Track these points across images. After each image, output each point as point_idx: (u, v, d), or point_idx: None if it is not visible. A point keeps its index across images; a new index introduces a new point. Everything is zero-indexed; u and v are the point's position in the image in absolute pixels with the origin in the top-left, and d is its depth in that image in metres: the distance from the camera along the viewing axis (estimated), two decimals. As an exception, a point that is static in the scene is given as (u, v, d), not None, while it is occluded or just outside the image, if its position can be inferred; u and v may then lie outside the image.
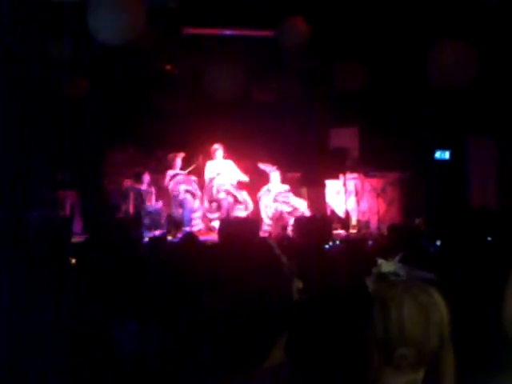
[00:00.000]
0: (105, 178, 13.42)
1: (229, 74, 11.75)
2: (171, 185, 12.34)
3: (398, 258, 2.01)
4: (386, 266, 1.98)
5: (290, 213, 12.05)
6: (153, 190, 12.48)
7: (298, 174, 12.81)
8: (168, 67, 12.85)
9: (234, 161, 12.92)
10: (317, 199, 12.43)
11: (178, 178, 12.42)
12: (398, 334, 1.83)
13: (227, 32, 11.70)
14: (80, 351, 3.57)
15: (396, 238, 6.91)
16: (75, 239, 9.82)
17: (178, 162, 12.56)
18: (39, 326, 3.53)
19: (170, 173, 12.47)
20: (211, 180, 12.54)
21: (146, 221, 11.96)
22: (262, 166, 12.72)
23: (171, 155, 12.62)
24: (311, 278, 3.37)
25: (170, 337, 3.84)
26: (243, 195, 12.63)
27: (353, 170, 12.78)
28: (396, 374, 1.84)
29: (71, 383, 3.47)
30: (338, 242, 8.53)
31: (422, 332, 1.84)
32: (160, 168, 13.52)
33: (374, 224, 12.50)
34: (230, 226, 10.77)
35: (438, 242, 7.26)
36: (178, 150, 12.96)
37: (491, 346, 3.12)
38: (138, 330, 4.01)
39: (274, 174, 12.49)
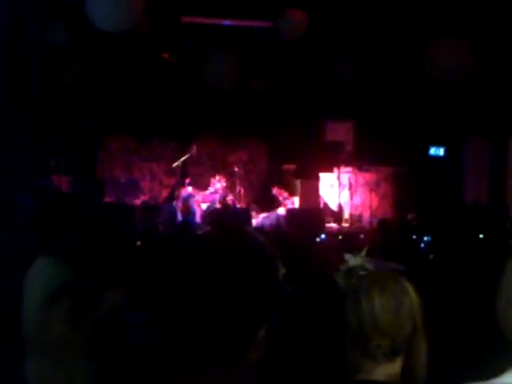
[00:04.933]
0: (99, 166, 13.42)
1: (226, 63, 11.74)
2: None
3: (364, 252, 2.02)
4: (353, 260, 1.99)
5: None
6: None
7: (292, 167, 12.82)
8: (165, 55, 12.82)
9: (228, 152, 13.00)
10: (310, 192, 12.44)
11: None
12: (372, 325, 1.84)
13: (226, 22, 11.68)
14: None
15: (385, 233, 6.95)
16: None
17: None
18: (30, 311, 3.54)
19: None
20: None
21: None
22: (275, 192, 12.72)
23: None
24: (298, 269, 3.39)
25: (163, 324, 3.86)
26: None
27: (347, 164, 12.80)
28: (373, 366, 1.85)
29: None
30: (324, 236, 8.53)
31: (395, 320, 1.84)
32: (154, 156, 13.55)
33: (366, 218, 12.54)
34: (222, 215, 10.81)
35: (428, 238, 7.29)
36: (173, 139, 13.00)
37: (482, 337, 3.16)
38: (130, 317, 4.02)
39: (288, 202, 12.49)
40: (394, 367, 1.86)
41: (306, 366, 2.73)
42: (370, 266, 1.98)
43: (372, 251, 2.07)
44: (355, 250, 2.09)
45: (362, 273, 1.98)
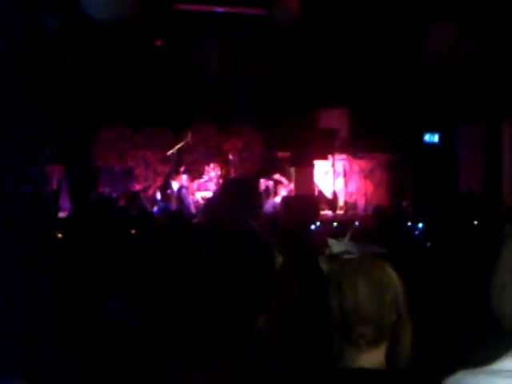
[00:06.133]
0: (92, 154, 13.38)
1: (219, 51, 11.70)
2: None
3: (348, 236, 1.99)
4: (337, 246, 1.96)
5: None
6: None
7: (287, 154, 12.79)
8: (159, 43, 12.76)
9: (223, 140, 13.00)
10: (305, 179, 12.44)
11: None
12: (355, 313, 1.82)
13: (219, 9, 11.63)
14: (64, 323, 3.59)
15: (380, 220, 6.96)
16: (62, 214, 9.83)
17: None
18: (24, 299, 3.54)
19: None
20: None
21: None
22: (277, 177, 12.64)
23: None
24: (292, 256, 3.39)
25: (156, 312, 3.86)
26: None
27: (341, 151, 12.79)
28: (357, 353, 1.84)
29: (55, 354, 3.49)
30: (319, 223, 8.53)
31: (378, 308, 1.82)
32: (148, 144, 13.52)
33: (361, 205, 12.55)
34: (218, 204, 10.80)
35: (421, 225, 7.32)
36: (167, 127, 12.99)
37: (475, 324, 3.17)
38: (124, 304, 4.02)
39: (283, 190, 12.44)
40: (378, 354, 1.86)
41: (304, 352, 2.74)
42: (354, 250, 1.96)
43: (363, 237, 2.05)
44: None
45: (346, 257, 1.95)
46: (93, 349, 3.55)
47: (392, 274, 1.89)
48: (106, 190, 12.19)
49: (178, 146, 12.62)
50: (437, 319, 3.31)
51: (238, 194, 10.24)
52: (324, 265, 1.96)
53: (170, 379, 2.30)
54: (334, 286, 1.89)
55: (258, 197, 10.79)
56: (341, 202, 12.58)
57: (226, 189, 11.10)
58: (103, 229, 5.21)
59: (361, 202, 12.60)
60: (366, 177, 12.64)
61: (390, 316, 1.84)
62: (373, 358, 1.84)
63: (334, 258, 1.95)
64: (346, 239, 1.98)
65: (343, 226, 7.91)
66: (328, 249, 1.98)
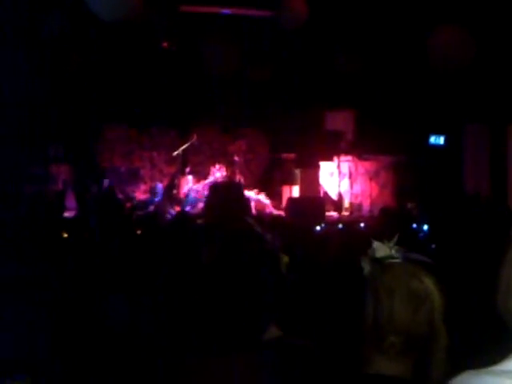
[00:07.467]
0: (98, 155, 13.39)
1: (225, 52, 11.71)
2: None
3: (394, 240, 1.95)
4: (381, 250, 1.92)
5: None
6: None
7: (292, 155, 12.79)
8: (165, 44, 12.77)
9: (228, 141, 13.03)
10: (310, 181, 12.43)
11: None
12: (388, 322, 1.80)
13: (225, 11, 11.64)
14: (69, 324, 3.59)
15: (386, 222, 6.95)
16: (67, 214, 9.85)
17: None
18: (26, 298, 3.55)
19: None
20: None
21: None
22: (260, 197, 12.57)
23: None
24: (299, 256, 3.38)
25: (160, 310, 3.86)
26: None
27: (347, 153, 12.78)
28: (386, 360, 1.82)
29: (58, 353, 3.49)
30: (323, 225, 8.49)
31: (411, 320, 1.80)
32: (153, 145, 13.53)
33: (366, 207, 12.54)
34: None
35: (426, 227, 7.29)
36: (173, 128, 12.99)
37: (484, 330, 3.16)
38: (128, 302, 4.02)
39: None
40: (406, 363, 1.83)
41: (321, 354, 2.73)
42: (398, 256, 1.93)
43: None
44: (385, 238, 2.02)
45: (388, 261, 1.92)
46: (95, 348, 3.55)
47: (430, 286, 1.86)
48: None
49: (184, 147, 12.63)
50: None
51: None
52: (366, 265, 1.93)
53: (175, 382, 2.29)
54: (371, 292, 1.87)
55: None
56: (346, 204, 12.56)
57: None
58: (108, 227, 5.22)
59: (366, 204, 12.59)
60: (371, 178, 12.63)
61: (423, 328, 1.82)
62: (399, 367, 1.82)
63: (376, 260, 1.92)
64: (392, 243, 1.95)
65: (348, 228, 7.90)
66: (371, 251, 1.94)
